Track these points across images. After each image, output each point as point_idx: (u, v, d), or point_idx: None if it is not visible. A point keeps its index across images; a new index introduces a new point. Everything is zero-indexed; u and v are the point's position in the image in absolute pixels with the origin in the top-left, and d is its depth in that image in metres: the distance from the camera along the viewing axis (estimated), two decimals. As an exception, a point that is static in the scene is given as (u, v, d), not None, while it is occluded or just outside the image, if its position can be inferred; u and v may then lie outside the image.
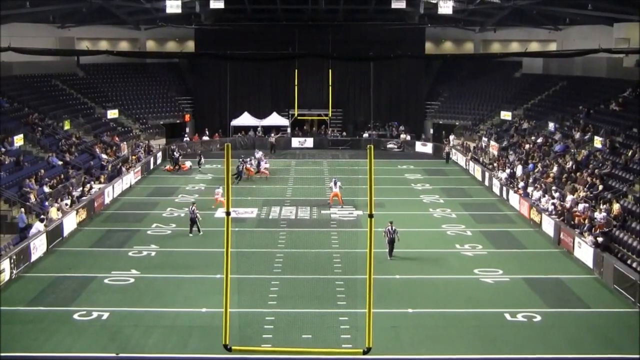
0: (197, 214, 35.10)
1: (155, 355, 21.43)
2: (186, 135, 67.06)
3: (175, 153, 55.35)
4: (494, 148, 54.96)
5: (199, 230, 35.06)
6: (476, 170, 52.49)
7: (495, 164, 51.00)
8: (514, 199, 42.18)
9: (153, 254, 32.17)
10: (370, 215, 12.66)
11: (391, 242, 31.08)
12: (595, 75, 58.42)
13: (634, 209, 33.67)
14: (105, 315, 24.43)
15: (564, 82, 63.09)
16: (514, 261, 31.39)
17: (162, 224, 37.44)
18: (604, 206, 34.20)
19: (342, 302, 25.83)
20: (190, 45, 71.91)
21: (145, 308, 25.26)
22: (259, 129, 67.87)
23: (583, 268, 30.66)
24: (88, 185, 42.28)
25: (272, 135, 64.10)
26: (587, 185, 38.25)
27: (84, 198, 39.85)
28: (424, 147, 65.25)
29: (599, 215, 33.16)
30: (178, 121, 69.78)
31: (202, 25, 66.50)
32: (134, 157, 54.12)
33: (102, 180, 45.18)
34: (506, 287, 28.14)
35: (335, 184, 41.63)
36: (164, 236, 35.26)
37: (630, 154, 39.61)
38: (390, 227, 31.00)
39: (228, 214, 14.06)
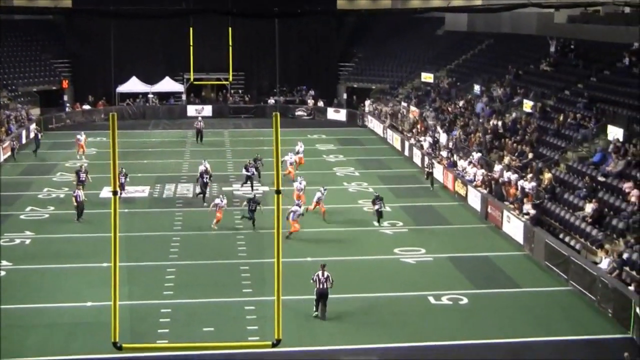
0: (80, 196, 34.19)
1: (34, 359, 20.98)
2: (67, 105, 65.60)
3: (39, 134, 51.72)
4: (413, 114, 55.76)
5: (78, 218, 34.08)
6: (395, 139, 53.18)
7: (414, 131, 51.77)
8: (437, 170, 42.94)
9: (28, 241, 31.41)
10: (278, 191, 12.68)
11: (322, 295, 23.78)
12: (525, 32, 59.74)
13: (567, 178, 34.79)
14: (-27, 315, 23.76)
15: (490, 40, 64.36)
16: (438, 239, 32.02)
17: (38, 207, 36.59)
18: (531, 175, 35.17)
19: (248, 289, 25.89)
20: (66, 0, 70.05)
21: (20, 305, 24.63)
22: (150, 96, 67.00)
23: (512, 244, 31.55)
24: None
25: (199, 120, 56.23)
26: (515, 154, 39.25)
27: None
28: (337, 114, 65.70)
29: (528, 185, 34.12)
30: (54, 88, 68.16)
31: (80, -26, 64.80)
32: (2, 129, 52.62)
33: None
34: (429, 268, 28.73)
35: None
36: (41, 221, 34.47)
37: (562, 118, 40.77)
38: (320, 274, 23.78)
39: (115, 193, 13.81)
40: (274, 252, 12.68)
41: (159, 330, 22.52)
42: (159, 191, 39.94)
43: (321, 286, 23.44)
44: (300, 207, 32.63)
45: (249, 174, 39.92)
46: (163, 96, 68.07)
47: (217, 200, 33.57)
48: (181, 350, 20.83)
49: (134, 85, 66.92)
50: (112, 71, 63.19)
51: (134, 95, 67.18)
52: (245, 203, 33.85)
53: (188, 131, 58.64)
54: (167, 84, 67.63)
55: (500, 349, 21.87)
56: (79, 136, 49.17)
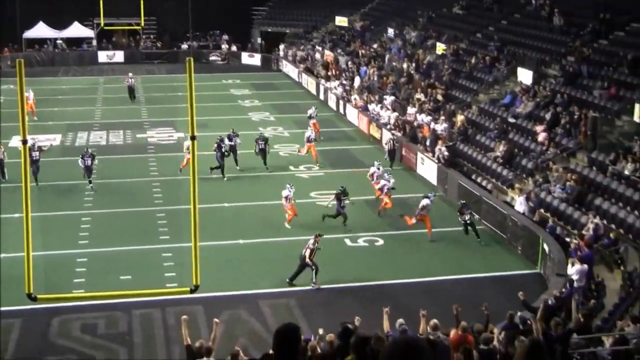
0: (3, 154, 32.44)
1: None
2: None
3: None
4: (327, 58, 55.71)
5: (3, 176, 32.29)
6: (310, 83, 53.16)
7: (329, 74, 51.83)
8: (352, 113, 43.18)
9: None
10: (192, 137, 12.53)
11: (304, 265, 22.64)
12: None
13: (478, 120, 35.43)
14: None
15: (404, -17, 64.33)
16: (354, 182, 32.15)
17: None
18: (444, 118, 35.70)
19: (165, 236, 25.81)
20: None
21: None
22: (58, 41, 65.36)
23: (427, 186, 32.07)
24: None
25: (130, 76, 50.39)
26: (429, 97, 39.69)
27: None
28: (252, 59, 65.29)
29: (440, 127, 34.65)
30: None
31: None
32: None
33: None
34: (346, 210, 28.97)
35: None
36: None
37: (473, 61, 41.33)
38: (313, 241, 22.77)
39: (25, 142, 13.49)
40: (190, 197, 12.62)
41: (75, 280, 22.30)
42: (71, 139, 39.22)
43: (302, 254, 22.43)
44: (389, 181, 28.59)
45: (231, 143, 33.79)
46: (72, 42, 66.41)
47: (286, 192, 27.44)
48: (98, 299, 20.67)
49: (41, 30, 65.04)
50: (17, 15, 61.17)
51: (41, 41, 65.41)
52: (332, 200, 28.03)
53: (100, 77, 57.61)
54: (77, 29, 65.97)
55: (415, 288, 22.38)
56: (26, 93, 42.60)
